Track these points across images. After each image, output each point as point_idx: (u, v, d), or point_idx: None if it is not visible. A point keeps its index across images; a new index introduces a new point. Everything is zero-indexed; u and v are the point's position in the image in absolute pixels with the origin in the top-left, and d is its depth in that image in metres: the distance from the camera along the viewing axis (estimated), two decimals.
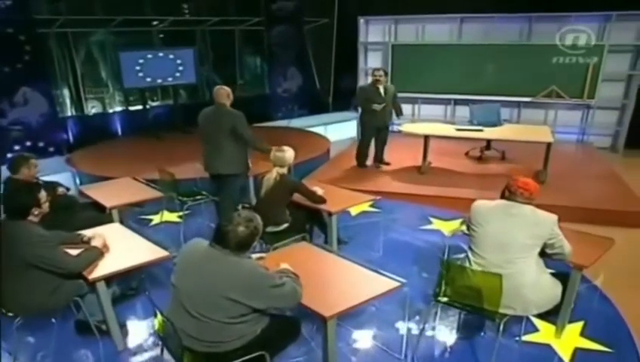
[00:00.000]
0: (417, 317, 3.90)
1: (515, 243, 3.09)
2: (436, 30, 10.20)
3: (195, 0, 11.19)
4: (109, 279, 3.38)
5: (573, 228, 3.52)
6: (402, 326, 3.82)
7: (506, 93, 9.46)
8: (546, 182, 6.58)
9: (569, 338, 3.57)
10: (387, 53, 10.42)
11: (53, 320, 3.34)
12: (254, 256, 3.05)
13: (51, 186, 4.75)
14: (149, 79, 9.80)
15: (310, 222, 4.82)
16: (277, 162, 4.45)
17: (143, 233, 4.03)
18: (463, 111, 9.62)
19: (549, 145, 6.75)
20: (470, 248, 3.34)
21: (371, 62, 10.76)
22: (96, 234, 3.62)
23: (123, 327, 3.75)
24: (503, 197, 3.29)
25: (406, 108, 10.32)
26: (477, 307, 3.14)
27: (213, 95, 5.05)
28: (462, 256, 3.53)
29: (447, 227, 5.73)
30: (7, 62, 8.27)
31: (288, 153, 4.47)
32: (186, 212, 5.60)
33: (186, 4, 11.15)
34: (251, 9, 11.48)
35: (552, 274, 3.30)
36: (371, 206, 6.12)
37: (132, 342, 3.68)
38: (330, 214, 4.53)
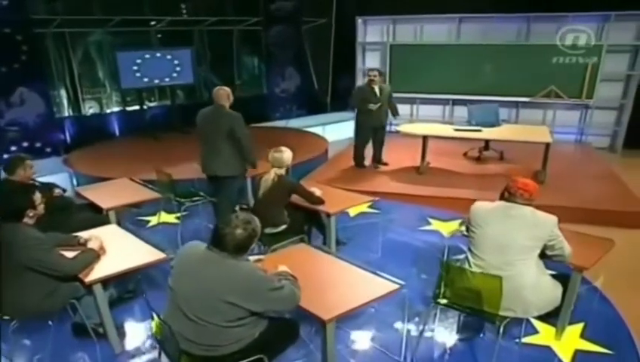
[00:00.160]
0: (417, 319, 3.88)
1: (514, 245, 3.07)
2: (434, 30, 10.20)
3: (192, 0, 11.15)
4: (105, 281, 3.35)
5: (572, 229, 3.50)
6: (401, 328, 3.80)
7: (504, 93, 9.46)
8: (545, 183, 6.56)
9: (569, 340, 3.56)
10: (385, 54, 10.41)
11: (50, 322, 3.31)
12: (252, 258, 3.02)
13: (47, 187, 4.72)
14: (146, 79, 9.76)
15: (309, 223, 4.80)
16: (275, 163, 4.42)
17: (140, 234, 4.00)
18: (461, 112, 9.61)
19: (547, 145, 6.74)
20: (470, 250, 3.32)
21: (369, 63, 10.76)
22: (93, 236, 3.59)
23: (120, 330, 3.72)
24: (502, 198, 3.27)
25: (404, 109, 10.39)
26: (477, 309, 3.11)
27: (213, 95, 4.98)
28: (461, 256, 3.51)
29: (446, 228, 5.71)
30: (4, 62, 8.21)
31: (286, 154, 4.45)
32: (184, 213, 5.57)
33: (184, 4, 11.11)
34: (249, 9, 11.44)
35: (552, 276, 3.28)
36: (370, 206, 6.10)
37: (129, 344, 3.65)
38: (328, 215, 4.51)
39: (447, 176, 7.42)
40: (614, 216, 5.81)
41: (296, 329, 2.99)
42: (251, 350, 2.62)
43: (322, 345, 2.91)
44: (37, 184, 4.52)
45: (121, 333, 3.71)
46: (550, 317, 3.37)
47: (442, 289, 3.28)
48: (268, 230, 4.29)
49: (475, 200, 3.46)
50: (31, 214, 3.26)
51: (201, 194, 5.52)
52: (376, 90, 7.25)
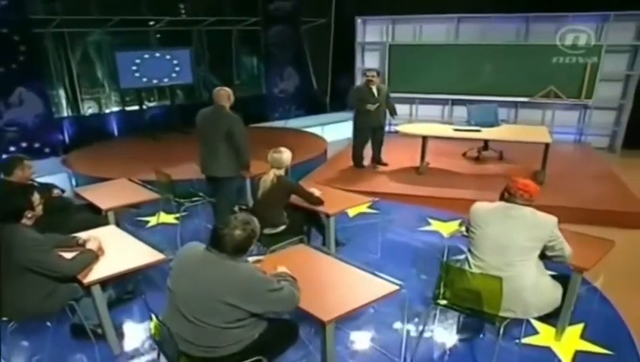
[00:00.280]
0: (416, 320, 3.87)
1: (514, 246, 3.06)
2: (433, 30, 10.20)
3: (191, 0, 11.13)
4: (104, 282, 3.33)
5: (572, 229, 3.49)
6: (401, 329, 3.79)
7: (503, 94, 9.45)
8: (544, 183, 6.55)
9: (569, 341, 3.55)
10: (384, 54, 10.40)
11: (49, 323, 3.30)
12: (251, 259, 3.01)
13: (46, 188, 4.70)
14: (145, 79, 9.74)
15: (308, 223, 4.79)
16: (274, 163, 4.41)
17: (140, 235, 3.99)
18: (460, 112, 9.61)
19: (547, 145, 6.74)
20: (469, 250, 3.32)
21: (368, 63, 10.74)
22: (92, 236, 3.58)
23: (119, 331, 3.70)
24: (502, 199, 3.26)
25: (403, 109, 10.38)
26: (476, 310, 3.11)
27: (214, 96, 4.96)
28: (461, 257, 3.50)
29: (446, 228, 5.71)
30: (2, 62, 8.20)
31: (285, 154, 4.44)
32: (183, 213, 5.56)
33: (183, 4, 11.10)
34: (248, 9, 11.43)
35: (552, 277, 3.27)
36: (369, 207, 6.09)
37: (128, 346, 3.64)
38: (327, 216, 4.50)
39: (446, 177, 7.41)
40: (614, 216, 5.80)
41: (295, 331, 2.99)
42: (250, 351, 2.61)
43: (322, 346, 2.90)
44: (35, 184, 4.49)
45: (120, 334, 3.70)
46: (550, 318, 3.36)
47: (442, 290, 3.27)
48: (267, 231, 4.27)
49: (474, 201, 3.45)
50: (29, 215, 3.24)
51: (201, 194, 5.51)
52: (374, 90, 7.24)
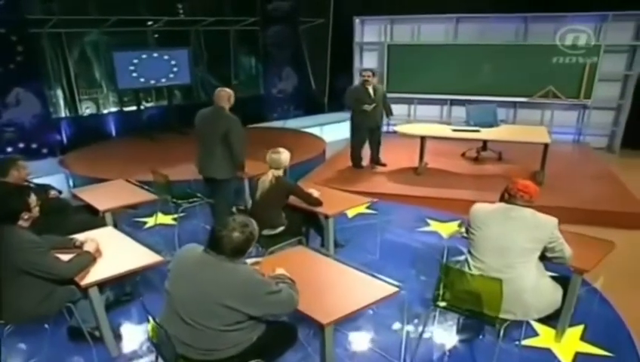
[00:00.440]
0: (416, 321, 3.85)
1: (514, 247, 3.05)
2: (432, 30, 10.19)
3: (189, 0, 11.11)
4: (102, 284, 3.31)
5: (571, 230, 3.47)
6: (400, 331, 3.77)
7: (502, 94, 9.44)
8: (543, 183, 6.54)
9: (569, 343, 3.54)
10: (383, 54, 10.39)
11: (46, 325, 3.27)
12: (250, 261, 2.99)
13: (43, 189, 4.68)
14: (143, 80, 9.71)
15: (306, 224, 4.77)
16: (272, 164, 4.39)
17: (137, 236, 3.98)
18: (459, 112, 9.60)
19: (546, 146, 6.72)
20: (469, 252, 3.30)
21: (367, 63, 10.73)
22: (89, 238, 3.55)
23: (117, 333, 3.68)
24: (502, 200, 3.25)
25: (402, 109, 10.39)
26: (476, 312, 3.09)
27: (214, 96, 4.92)
28: (461, 258, 3.49)
29: (445, 229, 5.69)
30: None
31: (284, 155, 4.41)
32: (181, 214, 5.54)
33: (181, 4, 11.06)
34: (246, 9, 11.40)
35: (552, 278, 3.26)
36: (368, 207, 6.07)
37: (126, 348, 3.62)
38: (326, 217, 4.48)
39: (445, 177, 7.40)
40: (613, 216, 5.80)
41: (294, 333, 2.97)
42: (249, 354, 2.59)
43: (321, 349, 2.88)
44: (32, 186, 4.47)
45: (118, 337, 3.67)
46: (550, 320, 3.33)
47: (441, 292, 3.25)
48: (265, 232, 4.25)
49: (473, 201, 3.44)
50: (26, 217, 3.21)
51: (198, 195, 5.49)
52: (370, 90, 7.22)
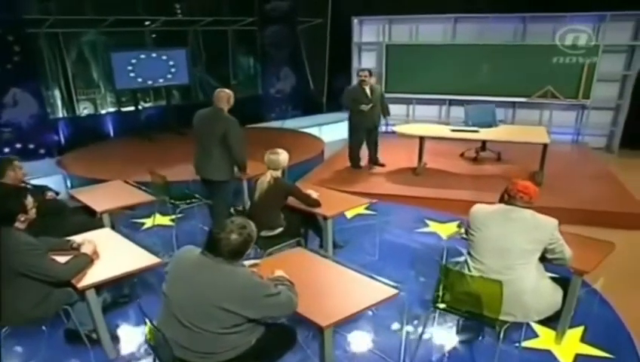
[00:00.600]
0: (415, 322, 3.84)
1: (514, 249, 3.03)
2: (430, 30, 10.17)
3: (187, 0, 11.08)
4: (99, 287, 3.29)
5: (570, 231, 3.46)
6: (400, 332, 3.75)
7: (500, 94, 9.42)
8: (542, 184, 6.53)
9: (569, 344, 3.52)
10: (381, 54, 10.37)
11: (44, 327, 3.25)
12: (248, 263, 2.97)
13: (40, 190, 4.66)
14: (141, 80, 9.67)
15: (305, 225, 4.75)
16: (271, 165, 4.37)
17: (135, 237, 3.97)
18: (457, 112, 9.56)
19: (545, 146, 6.71)
20: (469, 253, 3.28)
21: (365, 63, 10.70)
22: (86, 240, 3.53)
23: (114, 336, 3.66)
24: (502, 201, 3.23)
25: (400, 109, 10.38)
26: (476, 313, 3.08)
27: (214, 97, 4.88)
28: (460, 259, 3.47)
29: (444, 229, 5.68)
30: None
31: (282, 156, 4.39)
32: (179, 215, 5.51)
33: (179, 4, 11.02)
34: (244, 9, 11.36)
35: (552, 279, 3.24)
36: (367, 208, 6.04)
37: (123, 351, 3.59)
38: (325, 218, 4.46)
39: (444, 177, 7.38)
40: (612, 217, 5.79)
41: (293, 335, 2.96)
42: (248, 357, 2.57)
43: (320, 351, 2.87)
44: (29, 187, 4.45)
45: (116, 339, 3.65)
46: (550, 321, 3.32)
47: (441, 294, 3.23)
48: (264, 233, 4.23)
49: (472, 202, 3.43)
50: (22, 219, 3.20)
51: (196, 196, 5.46)
52: (368, 90, 7.20)
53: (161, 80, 9.95)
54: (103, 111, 10.48)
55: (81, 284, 3.14)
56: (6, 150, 8.35)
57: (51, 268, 3.12)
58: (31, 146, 8.67)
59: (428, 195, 6.62)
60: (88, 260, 3.31)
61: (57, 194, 4.93)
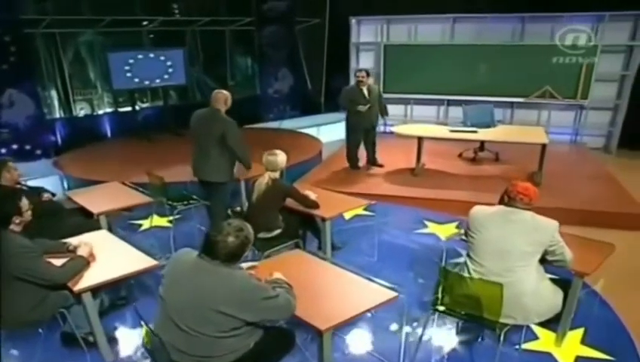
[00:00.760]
0: (414, 325, 3.81)
1: (514, 251, 3.01)
2: (429, 30, 10.14)
3: (185, 0, 11.04)
4: (95, 289, 3.26)
5: (569, 231, 3.43)
6: (399, 335, 3.73)
7: (499, 94, 9.41)
8: (541, 184, 6.51)
9: (570, 347, 3.50)
10: (379, 54, 10.35)
11: (40, 330, 3.22)
12: (245, 265, 2.95)
13: (36, 192, 4.62)
14: (138, 80, 9.63)
15: (303, 227, 4.72)
16: (269, 166, 4.34)
17: (132, 239, 3.94)
18: (456, 112, 9.55)
19: (543, 146, 6.70)
20: (468, 255, 3.25)
21: (363, 63, 10.67)
22: (82, 242, 3.50)
23: (111, 339, 3.62)
24: (501, 202, 3.20)
25: (399, 110, 10.36)
26: (476, 316, 3.05)
27: (211, 98, 4.85)
28: (459, 260, 3.45)
29: (442, 230, 5.65)
30: None
31: (280, 157, 4.36)
32: (176, 216, 5.48)
33: (176, 4, 10.99)
34: (242, 9, 11.34)
35: (551, 280, 3.22)
36: (365, 209, 6.01)
37: (120, 354, 3.57)
38: (323, 219, 4.43)
39: (442, 178, 7.36)
40: (611, 217, 5.78)
41: (291, 339, 2.93)
42: (246, 360, 2.55)
43: (319, 354, 2.84)
44: (24, 188, 4.42)
45: (112, 342, 3.62)
46: (550, 323, 3.30)
47: (440, 296, 3.21)
48: (262, 234, 4.21)
49: (470, 202, 3.41)
50: (17, 221, 3.16)
51: (194, 197, 5.43)
52: (365, 91, 7.17)
53: (158, 80, 9.91)
54: (100, 112, 10.44)
55: (77, 288, 3.11)
56: (2, 151, 8.32)
57: (47, 271, 3.09)
58: (27, 147, 8.62)
59: (426, 196, 6.59)
60: (84, 263, 3.28)
61: (54, 195, 4.89)
